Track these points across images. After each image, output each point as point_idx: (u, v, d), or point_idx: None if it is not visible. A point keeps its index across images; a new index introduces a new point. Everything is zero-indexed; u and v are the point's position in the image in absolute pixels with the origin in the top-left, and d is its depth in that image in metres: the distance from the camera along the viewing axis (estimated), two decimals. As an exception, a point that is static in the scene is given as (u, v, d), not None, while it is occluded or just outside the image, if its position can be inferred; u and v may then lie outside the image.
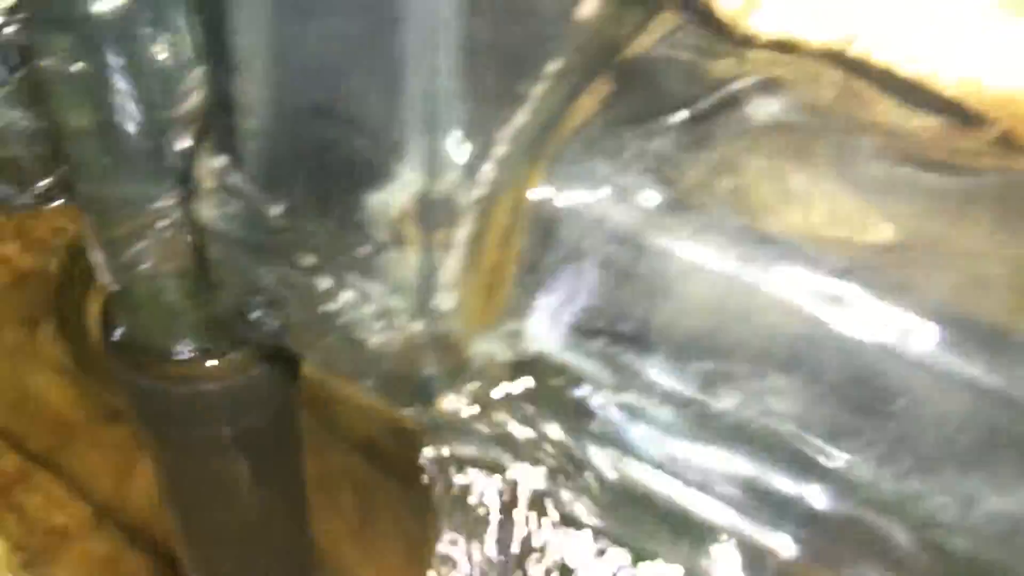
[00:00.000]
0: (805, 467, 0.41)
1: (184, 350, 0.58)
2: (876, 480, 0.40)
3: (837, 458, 0.40)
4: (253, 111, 0.39)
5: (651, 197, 0.43)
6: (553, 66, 0.42)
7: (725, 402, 0.42)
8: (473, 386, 0.45)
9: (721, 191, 0.43)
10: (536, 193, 0.43)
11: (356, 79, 0.36)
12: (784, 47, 0.48)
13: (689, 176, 0.43)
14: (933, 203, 0.42)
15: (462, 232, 0.40)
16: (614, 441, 0.44)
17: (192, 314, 0.55)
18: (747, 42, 0.49)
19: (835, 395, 0.40)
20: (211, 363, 0.58)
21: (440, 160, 0.38)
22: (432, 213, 0.39)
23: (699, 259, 0.42)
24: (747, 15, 0.49)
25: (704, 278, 0.42)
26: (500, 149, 0.40)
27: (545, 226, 0.43)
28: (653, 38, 0.48)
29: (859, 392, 0.40)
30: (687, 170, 0.43)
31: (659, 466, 0.43)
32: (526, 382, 0.45)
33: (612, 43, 0.47)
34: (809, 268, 0.40)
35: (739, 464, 0.42)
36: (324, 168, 0.39)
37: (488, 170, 0.40)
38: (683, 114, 0.45)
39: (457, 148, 0.38)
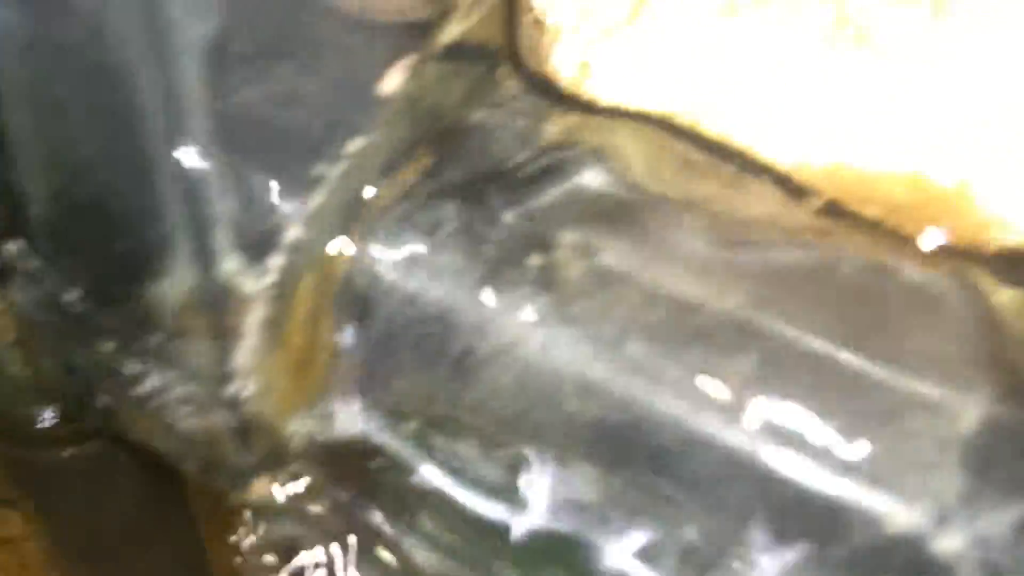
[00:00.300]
0: (611, 555, 0.40)
1: (40, 416, 0.57)
2: (680, 568, 0.39)
3: (638, 544, 0.39)
4: (37, 200, 0.39)
5: (463, 274, 0.42)
6: (355, 145, 0.41)
7: (534, 488, 0.41)
8: (291, 469, 0.44)
9: (532, 267, 0.42)
10: (346, 271, 0.42)
11: (116, 177, 0.35)
12: (621, 115, 0.47)
13: (502, 251, 0.42)
14: (744, 283, 0.41)
15: (254, 318, 0.39)
16: (430, 529, 0.43)
17: (39, 384, 0.54)
18: (585, 109, 0.48)
19: (637, 481, 0.39)
20: (69, 429, 0.57)
21: (212, 254, 0.37)
22: (213, 303, 0.38)
23: (505, 340, 0.41)
24: (583, 82, 0.48)
25: (510, 359, 0.41)
26: (292, 233, 0.39)
27: (357, 305, 0.42)
28: (485, 106, 0.47)
29: (659, 479, 0.39)
30: (501, 245, 0.42)
31: (473, 556, 0.42)
32: (344, 464, 0.44)
33: (436, 112, 0.46)
34: (612, 351, 0.39)
35: (552, 551, 0.41)
36: (106, 258, 0.38)
37: (277, 256, 0.39)
38: (506, 187, 0.44)
39: (231, 240, 0.37)
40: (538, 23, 0.49)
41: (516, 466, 0.41)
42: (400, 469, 0.43)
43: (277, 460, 0.44)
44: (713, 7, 0.47)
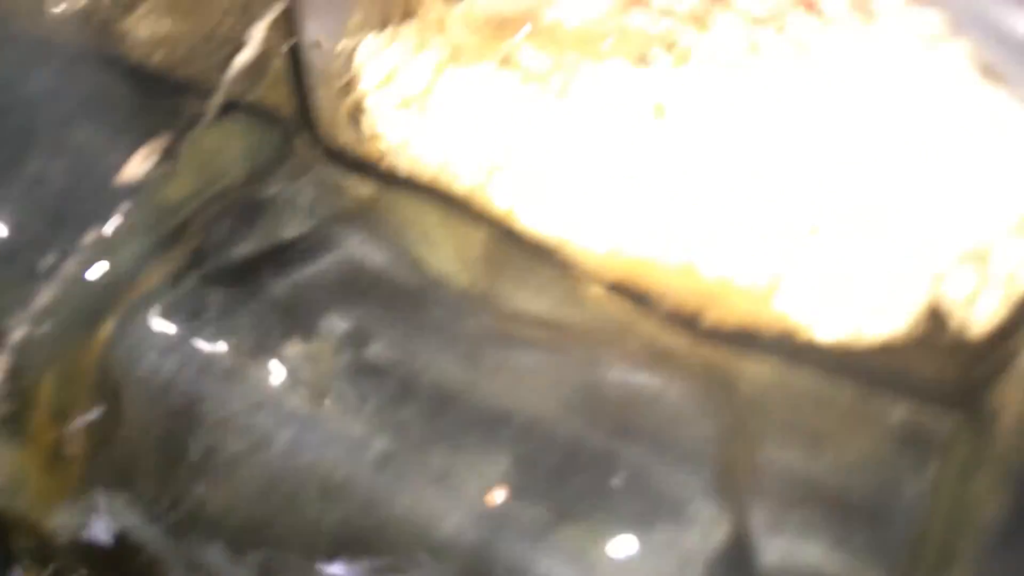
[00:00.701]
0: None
1: None
2: None
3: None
4: None
5: (216, 364, 0.40)
6: (94, 234, 0.39)
7: (280, 596, 0.38)
8: (57, 565, 0.43)
9: (289, 357, 0.40)
10: (98, 363, 0.40)
11: None
12: (415, 189, 0.45)
13: (256, 338, 0.40)
14: (511, 377, 0.38)
15: (-20, 419, 0.38)
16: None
17: None
18: (381, 181, 0.45)
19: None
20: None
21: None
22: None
23: (252, 439, 0.39)
24: (381, 153, 0.45)
25: (255, 461, 0.39)
26: (19, 333, 0.38)
27: (110, 397, 0.41)
28: (274, 178, 0.45)
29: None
30: (256, 330, 0.40)
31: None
32: (110, 561, 0.42)
33: (213, 187, 0.44)
34: (358, 450, 0.37)
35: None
36: None
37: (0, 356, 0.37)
38: (278, 265, 0.42)
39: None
40: (337, 92, 0.47)
41: (265, 572, 0.39)
42: (161, 569, 0.41)
43: (41, 557, 0.42)
44: (515, 78, 0.44)
